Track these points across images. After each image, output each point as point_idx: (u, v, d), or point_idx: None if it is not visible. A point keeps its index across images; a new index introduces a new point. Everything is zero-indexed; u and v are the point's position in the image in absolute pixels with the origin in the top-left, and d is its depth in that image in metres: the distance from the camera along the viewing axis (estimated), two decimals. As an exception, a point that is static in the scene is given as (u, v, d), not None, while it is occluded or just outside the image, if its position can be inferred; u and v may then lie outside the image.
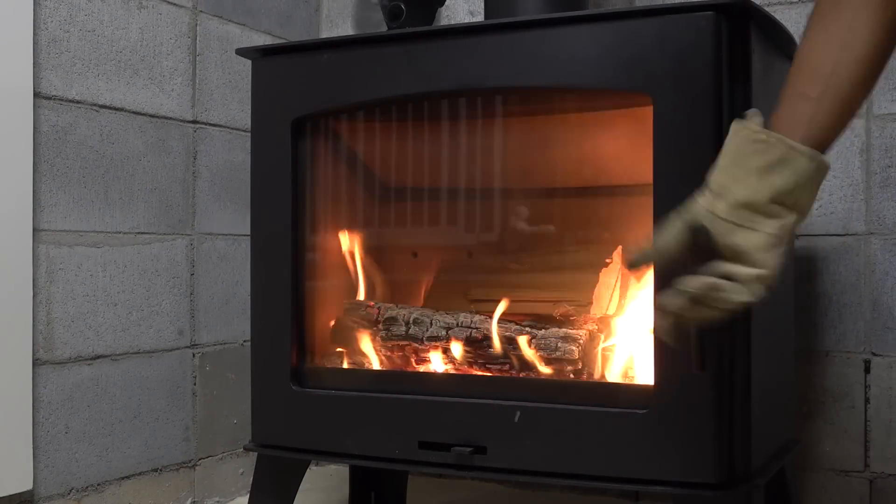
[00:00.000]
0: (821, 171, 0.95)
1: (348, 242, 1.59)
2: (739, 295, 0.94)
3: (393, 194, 1.66)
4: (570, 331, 1.39)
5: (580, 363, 1.36)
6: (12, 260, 1.43)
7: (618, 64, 1.24)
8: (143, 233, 1.66)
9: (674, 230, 0.98)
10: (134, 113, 1.64)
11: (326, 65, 1.42)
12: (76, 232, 1.54)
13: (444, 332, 1.44)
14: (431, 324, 1.46)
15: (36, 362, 1.48)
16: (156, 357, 1.68)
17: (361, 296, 1.58)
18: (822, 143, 0.95)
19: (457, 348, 1.43)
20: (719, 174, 0.97)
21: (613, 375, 1.38)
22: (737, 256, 0.94)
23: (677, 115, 1.20)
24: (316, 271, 1.52)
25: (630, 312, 1.43)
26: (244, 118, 1.83)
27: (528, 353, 1.39)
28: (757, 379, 1.24)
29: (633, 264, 1.06)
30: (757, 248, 0.94)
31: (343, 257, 1.59)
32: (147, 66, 1.66)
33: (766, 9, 1.30)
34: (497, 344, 1.41)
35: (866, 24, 0.92)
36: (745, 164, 0.95)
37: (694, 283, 0.96)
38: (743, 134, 0.96)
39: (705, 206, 0.96)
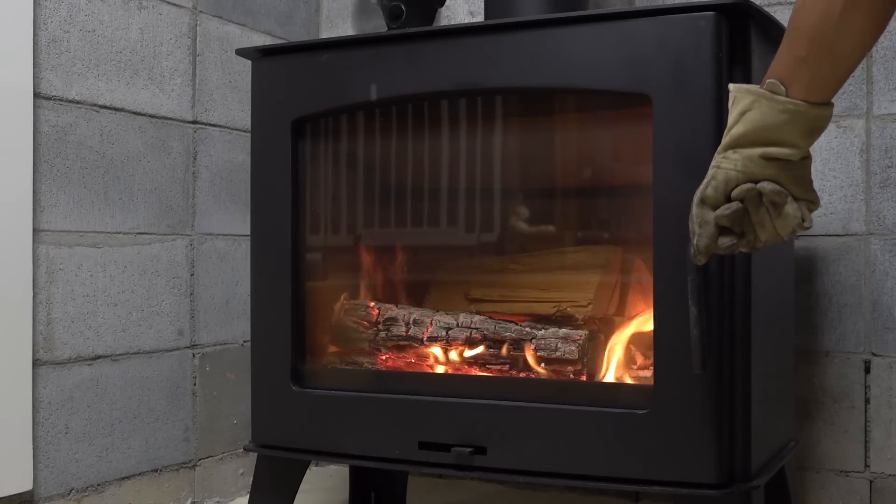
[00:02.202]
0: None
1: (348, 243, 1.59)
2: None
3: (393, 194, 1.66)
4: (570, 331, 1.39)
5: (580, 363, 1.36)
6: (12, 260, 1.43)
7: (618, 64, 1.24)
8: (143, 233, 1.66)
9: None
10: (134, 113, 1.64)
11: (326, 65, 1.42)
12: (76, 232, 1.54)
13: (444, 333, 1.45)
14: (431, 324, 1.46)
15: (36, 362, 1.48)
16: (156, 357, 1.68)
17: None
18: (826, 95, 0.99)
19: (456, 349, 1.43)
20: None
21: (613, 375, 1.38)
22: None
23: (677, 115, 1.20)
24: (316, 271, 1.52)
25: (630, 312, 1.43)
26: (244, 118, 1.83)
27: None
28: (757, 379, 1.24)
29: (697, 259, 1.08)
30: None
31: (344, 258, 1.59)
32: (147, 67, 1.66)
33: (766, 9, 1.30)
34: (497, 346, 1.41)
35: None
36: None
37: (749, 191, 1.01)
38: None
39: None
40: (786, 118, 0.98)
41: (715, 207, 1.02)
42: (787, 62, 0.99)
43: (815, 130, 1.00)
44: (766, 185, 1.00)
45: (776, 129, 0.99)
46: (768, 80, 0.99)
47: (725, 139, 1.02)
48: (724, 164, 1.01)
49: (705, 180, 1.03)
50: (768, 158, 1.00)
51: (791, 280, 1.54)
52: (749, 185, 1.00)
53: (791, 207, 1.01)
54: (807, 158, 1.02)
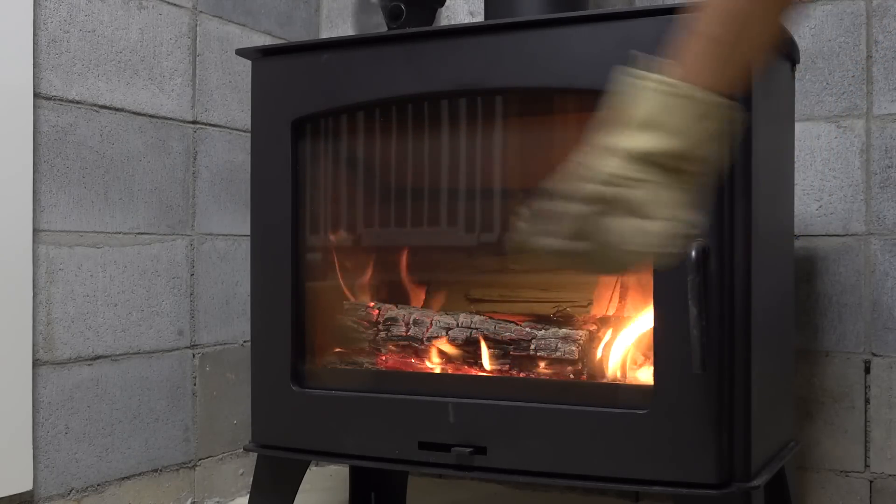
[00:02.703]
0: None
1: (348, 243, 1.59)
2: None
3: (393, 194, 1.66)
4: (570, 331, 1.39)
5: (580, 363, 1.36)
6: (12, 260, 1.43)
7: (618, 64, 1.23)
8: (143, 233, 1.66)
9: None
10: (134, 113, 1.64)
11: (326, 65, 1.42)
12: (76, 232, 1.54)
13: (444, 333, 1.44)
14: (431, 324, 1.46)
15: (36, 362, 1.48)
16: (156, 357, 1.68)
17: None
18: (720, 81, 0.86)
19: (456, 349, 1.43)
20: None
21: (613, 375, 1.38)
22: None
23: (677, 115, 1.19)
24: (316, 271, 1.52)
25: (630, 312, 1.43)
26: (244, 118, 1.83)
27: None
28: (757, 379, 1.24)
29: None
30: None
31: (344, 258, 1.59)
32: (147, 67, 1.66)
33: (766, 9, 1.30)
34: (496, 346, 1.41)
35: None
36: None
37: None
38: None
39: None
40: (669, 102, 0.85)
41: (570, 202, 0.88)
42: (687, 41, 0.87)
43: (703, 118, 0.85)
44: (612, 191, 0.86)
45: (656, 114, 0.86)
46: (657, 61, 0.88)
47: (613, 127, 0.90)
48: (598, 159, 0.89)
49: (579, 171, 0.90)
50: (643, 160, 0.85)
51: (791, 280, 1.54)
52: (596, 188, 0.86)
53: (643, 223, 0.85)
54: (691, 174, 0.86)
